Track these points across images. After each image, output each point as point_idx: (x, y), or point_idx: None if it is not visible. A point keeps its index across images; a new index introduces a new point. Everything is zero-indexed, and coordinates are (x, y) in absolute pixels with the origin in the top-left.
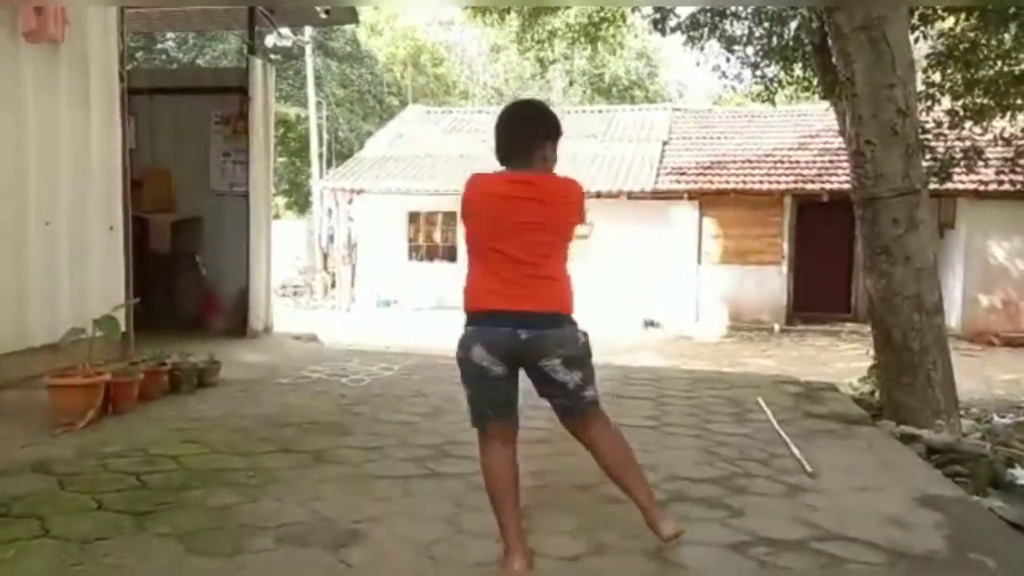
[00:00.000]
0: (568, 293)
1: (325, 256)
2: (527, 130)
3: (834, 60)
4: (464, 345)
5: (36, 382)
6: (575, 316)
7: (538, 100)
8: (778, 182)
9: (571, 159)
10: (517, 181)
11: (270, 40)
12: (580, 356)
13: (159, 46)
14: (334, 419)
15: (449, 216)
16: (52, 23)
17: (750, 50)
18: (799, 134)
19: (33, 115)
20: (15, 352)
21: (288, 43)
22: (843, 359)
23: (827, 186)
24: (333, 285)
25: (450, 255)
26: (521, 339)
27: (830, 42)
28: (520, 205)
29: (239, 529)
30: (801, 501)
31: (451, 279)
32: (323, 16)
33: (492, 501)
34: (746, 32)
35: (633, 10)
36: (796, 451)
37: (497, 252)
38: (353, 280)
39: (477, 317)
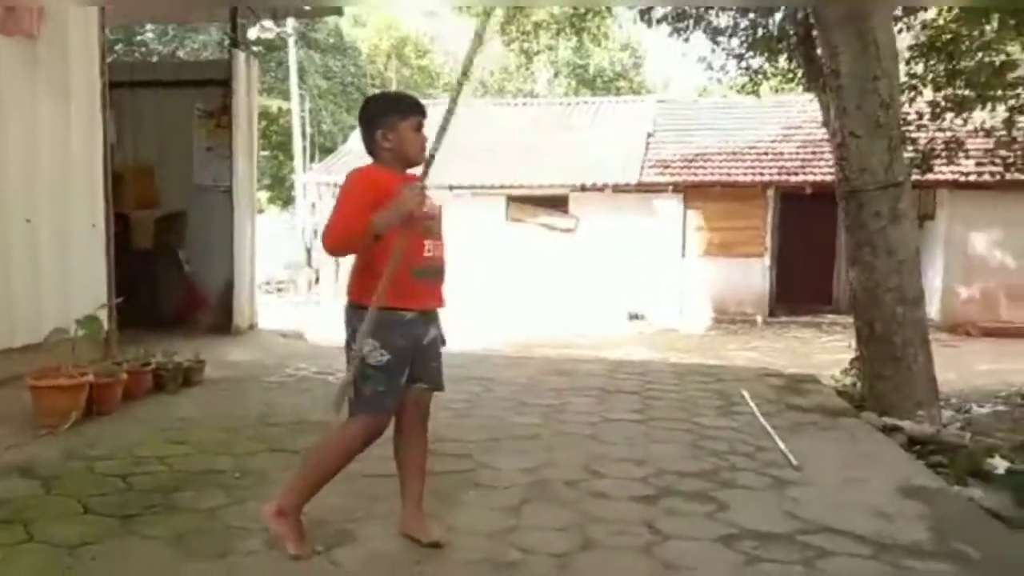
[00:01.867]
0: (353, 280)
1: (309, 251)
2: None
3: (819, 52)
4: None
5: (18, 383)
6: (361, 303)
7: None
8: (761, 174)
9: (555, 151)
10: None
11: (252, 32)
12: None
13: (138, 38)
14: (321, 418)
15: None
16: (27, 17)
17: (735, 41)
18: (782, 125)
19: (11, 110)
20: None
21: (271, 35)
22: (825, 351)
23: (810, 178)
24: (317, 280)
25: None
26: None
27: (815, 33)
28: None
29: (228, 531)
30: (787, 494)
31: None
32: (307, 8)
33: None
34: (731, 23)
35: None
36: (781, 444)
37: None
38: (337, 276)
39: None
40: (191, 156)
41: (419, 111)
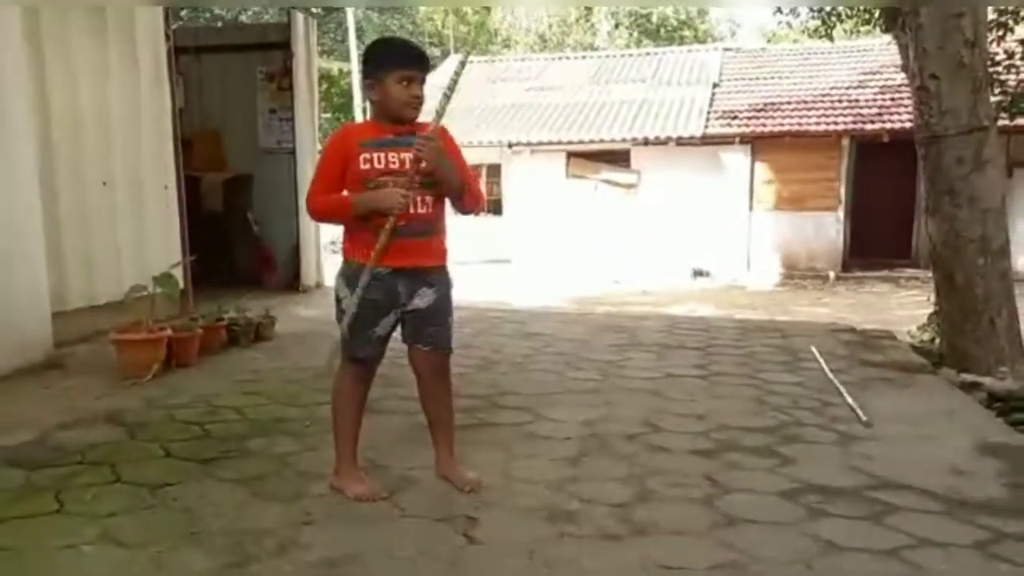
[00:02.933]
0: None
1: None
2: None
3: None
4: None
5: (103, 338)
6: (345, 257)
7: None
8: (835, 123)
9: (616, 105)
10: None
11: None
12: None
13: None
14: (384, 371)
15: (494, 168)
16: None
17: None
18: (858, 71)
19: (83, 78)
20: (82, 308)
21: None
22: (902, 306)
23: (888, 125)
24: None
25: (496, 208)
26: None
27: None
28: None
29: (299, 476)
30: (855, 450)
31: (498, 232)
32: None
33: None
34: None
35: None
36: (850, 400)
37: None
38: None
39: None
40: (255, 119)
41: (406, 64)
